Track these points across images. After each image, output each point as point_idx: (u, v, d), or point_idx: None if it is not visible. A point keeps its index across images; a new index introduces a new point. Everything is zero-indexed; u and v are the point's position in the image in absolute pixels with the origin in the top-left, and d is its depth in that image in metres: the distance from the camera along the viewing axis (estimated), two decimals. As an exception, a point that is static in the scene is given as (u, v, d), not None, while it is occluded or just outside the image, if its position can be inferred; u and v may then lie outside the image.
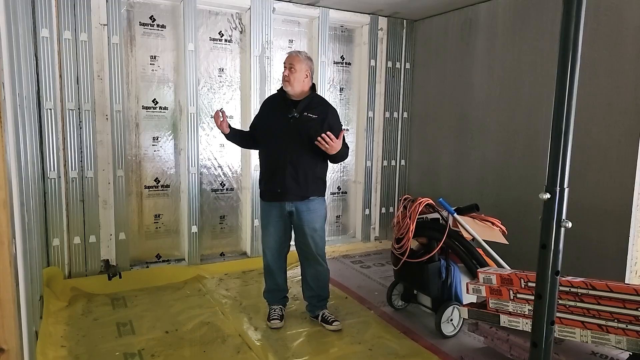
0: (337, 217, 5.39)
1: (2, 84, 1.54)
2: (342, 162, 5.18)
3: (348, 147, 3.21)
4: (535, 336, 1.39)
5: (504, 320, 2.70)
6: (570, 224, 1.34)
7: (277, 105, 3.29)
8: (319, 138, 2.97)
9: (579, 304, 2.40)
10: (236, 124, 4.58)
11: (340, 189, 5.36)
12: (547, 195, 1.36)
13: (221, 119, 3.22)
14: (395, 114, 5.36)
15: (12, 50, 2.09)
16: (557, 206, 1.36)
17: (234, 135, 3.39)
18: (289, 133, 3.16)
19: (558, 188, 1.36)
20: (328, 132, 2.96)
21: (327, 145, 2.97)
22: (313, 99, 3.25)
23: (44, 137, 3.67)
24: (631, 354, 2.33)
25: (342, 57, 5.14)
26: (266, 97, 3.65)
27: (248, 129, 3.54)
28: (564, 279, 2.43)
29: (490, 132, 4.37)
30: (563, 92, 1.35)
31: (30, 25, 3.43)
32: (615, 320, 2.27)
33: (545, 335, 1.38)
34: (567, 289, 2.42)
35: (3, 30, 1.80)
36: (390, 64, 5.24)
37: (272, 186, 3.23)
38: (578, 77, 1.33)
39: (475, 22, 4.48)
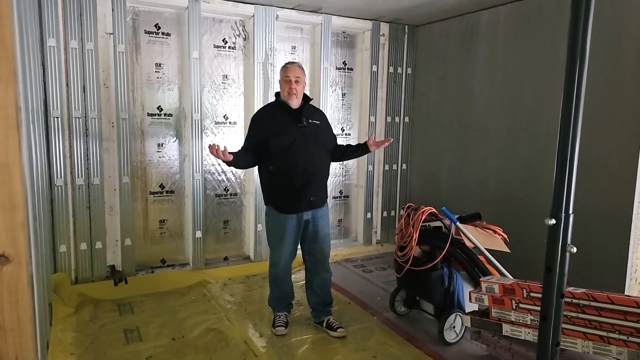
0: (339, 220, 5.44)
1: (20, 108, 1.57)
2: (343, 166, 5.30)
3: None
4: (541, 357, 1.44)
5: (507, 329, 2.74)
6: (575, 249, 1.39)
7: (279, 116, 3.22)
8: (389, 139, 3.39)
9: (580, 315, 2.45)
10: (239, 130, 4.63)
11: (342, 192, 5.41)
12: (553, 221, 1.41)
13: (222, 150, 2.93)
14: (397, 119, 5.40)
15: (26, 71, 2.13)
16: (562, 231, 1.41)
17: (238, 160, 3.12)
18: (307, 141, 3.19)
19: (563, 214, 1.40)
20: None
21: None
22: (310, 106, 3.34)
23: (50, 145, 3.71)
24: (631, 364, 2.38)
25: (344, 62, 5.17)
26: (267, 103, 3.66)
27: (241, 149, 3.27)
28: (565, 290, 2.47)
29: (491, 138, 4.40)
30: (568, 120, 1.40)
31: (38, 35, 3.46)
32: (617, 332, 2.32)
33: (550, 356, 1.43)
34: (569, 300, 2.47)
35: (18, 53, 1.84)
36: (392, 69, 5.27)
37: (302, 196, 3.19)
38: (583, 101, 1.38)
39: (477, 29, 4.51)
